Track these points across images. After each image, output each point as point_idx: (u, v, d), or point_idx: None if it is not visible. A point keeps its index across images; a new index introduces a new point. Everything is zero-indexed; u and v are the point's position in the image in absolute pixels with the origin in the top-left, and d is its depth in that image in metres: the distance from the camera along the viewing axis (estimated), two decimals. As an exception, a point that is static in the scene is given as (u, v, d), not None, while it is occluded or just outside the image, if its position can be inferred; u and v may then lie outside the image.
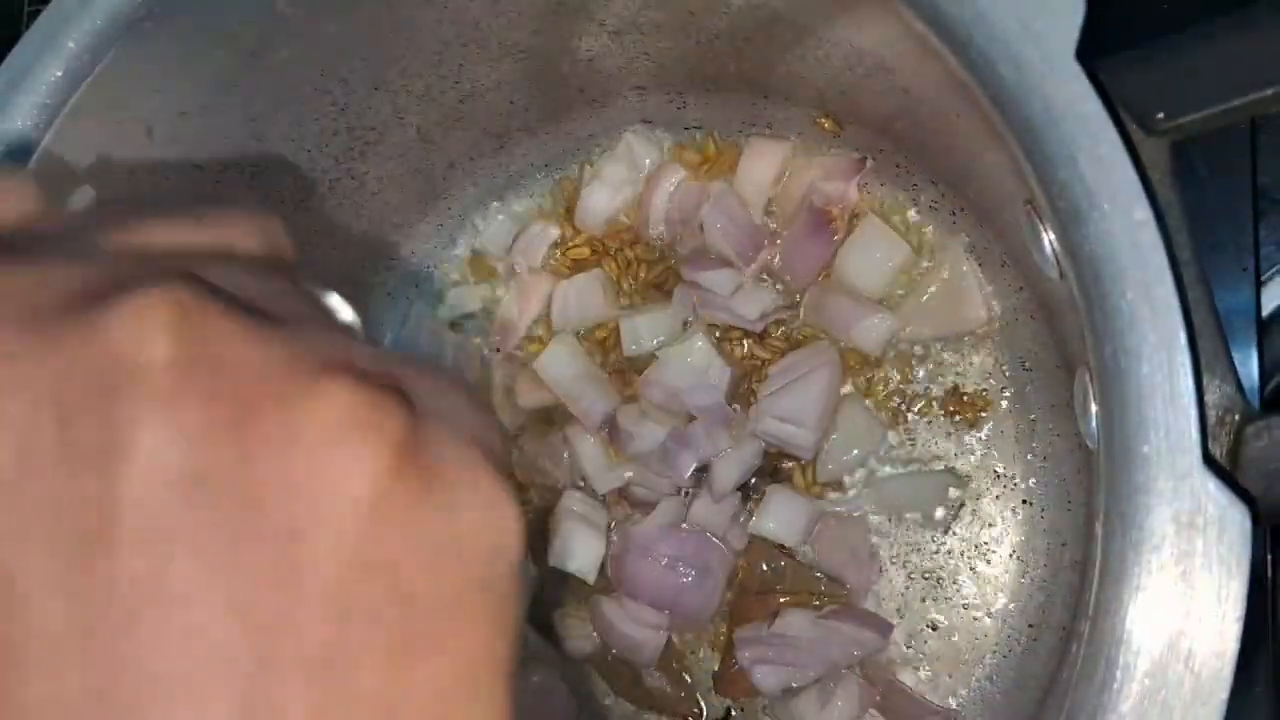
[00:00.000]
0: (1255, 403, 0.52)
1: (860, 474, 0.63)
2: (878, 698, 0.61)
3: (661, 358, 0.64)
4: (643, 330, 0.65)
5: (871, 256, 0.63)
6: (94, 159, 0.50)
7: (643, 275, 0.67)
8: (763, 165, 0.65)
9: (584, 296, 0.67)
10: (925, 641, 0.62)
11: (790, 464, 0.64)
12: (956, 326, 0.62)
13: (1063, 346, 0.55)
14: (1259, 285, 0.57)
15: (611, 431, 0.65)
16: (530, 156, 0.69)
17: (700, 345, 0.63)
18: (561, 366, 0.66)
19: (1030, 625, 0.59)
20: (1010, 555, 0.61)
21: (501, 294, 0.70)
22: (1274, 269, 0.59)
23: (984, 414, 0.62)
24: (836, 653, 0.60)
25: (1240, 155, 0.57)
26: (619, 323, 0.66)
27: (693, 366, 0.63)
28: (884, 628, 0.61)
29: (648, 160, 0.68)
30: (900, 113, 0.56)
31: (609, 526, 0.65)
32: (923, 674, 0.61)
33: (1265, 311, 0.58)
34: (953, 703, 0.61)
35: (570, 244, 0.69)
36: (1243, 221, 0.57)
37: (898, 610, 0.62)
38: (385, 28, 0.55)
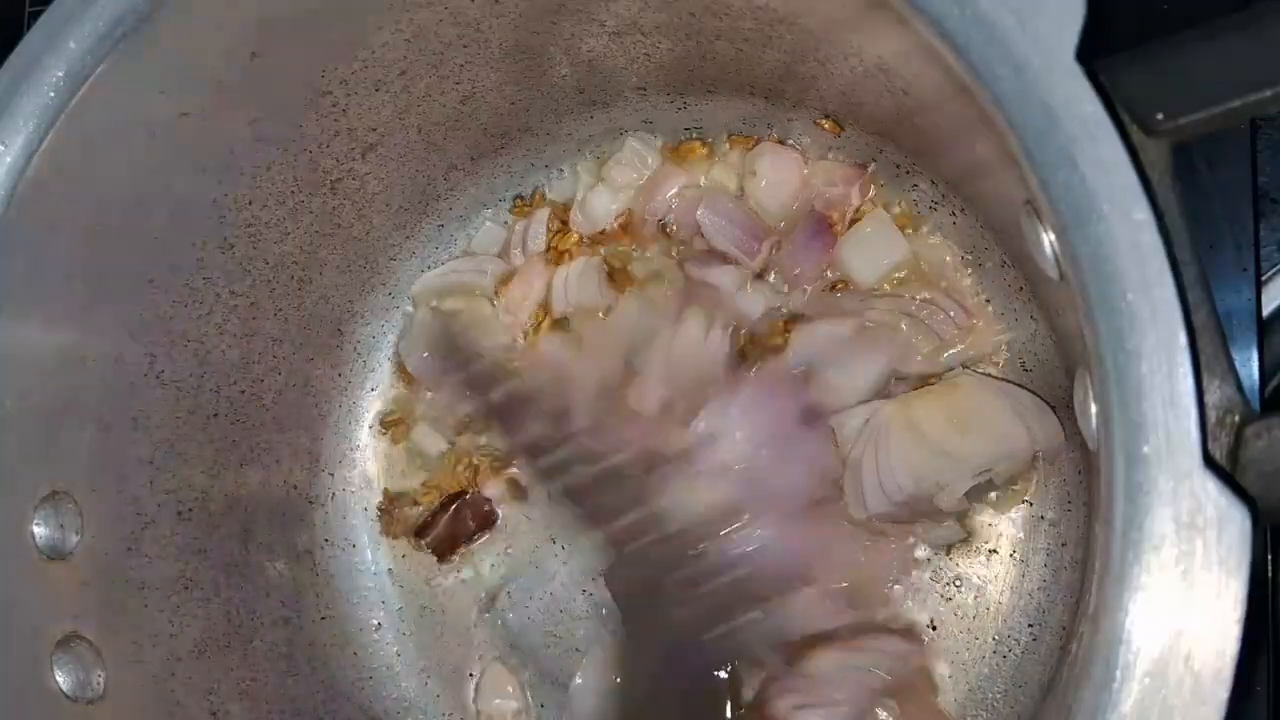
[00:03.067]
0: (1255, 403, 0.52)
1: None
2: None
3: (661, 339, 0.65)
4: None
5: (872, 250, 0.63)
6: (96, 159, 0.50)
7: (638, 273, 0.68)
8: (775, 174, 0.65)
9: (582, 282, 0.68)
10: (926, 641, 0.62)
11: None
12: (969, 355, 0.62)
13: (1063, 347, 0.55)
14: (1259, 286, 0.58)
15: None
16: (531, 157, 0.69)
17: (696, 323, 0.64)
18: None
19: (1030, 625, 0.59)
20: (1011, 555, 0.61)
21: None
22: (1274, 269, 0.59)
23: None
24: (869, 677, 0.60)
25: (1240, 156, 0.57)
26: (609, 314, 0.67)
27: (692, 341, 0.64)
28: (911, 635, 0.61)
29: (649, 159, 0.68)
30: (900, 114, 0.56)
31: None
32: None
33: (1265, 312, 0.58)
34: (952, 700, 0.61)
35: (562, 236, 0.69)
36: (1243, 222, 0.57)
37: (898, 611, 0.62)
38: (387, 29, 0.55)
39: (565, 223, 0.70)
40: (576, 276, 0.68)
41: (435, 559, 0.69)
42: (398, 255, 0.70)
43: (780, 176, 0.65)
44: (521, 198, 0.71)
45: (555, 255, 0.69)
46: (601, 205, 0.68)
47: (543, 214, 0.70)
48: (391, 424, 0.71)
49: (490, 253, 0.71)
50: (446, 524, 0.68)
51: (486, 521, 0.69)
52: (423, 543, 0.69)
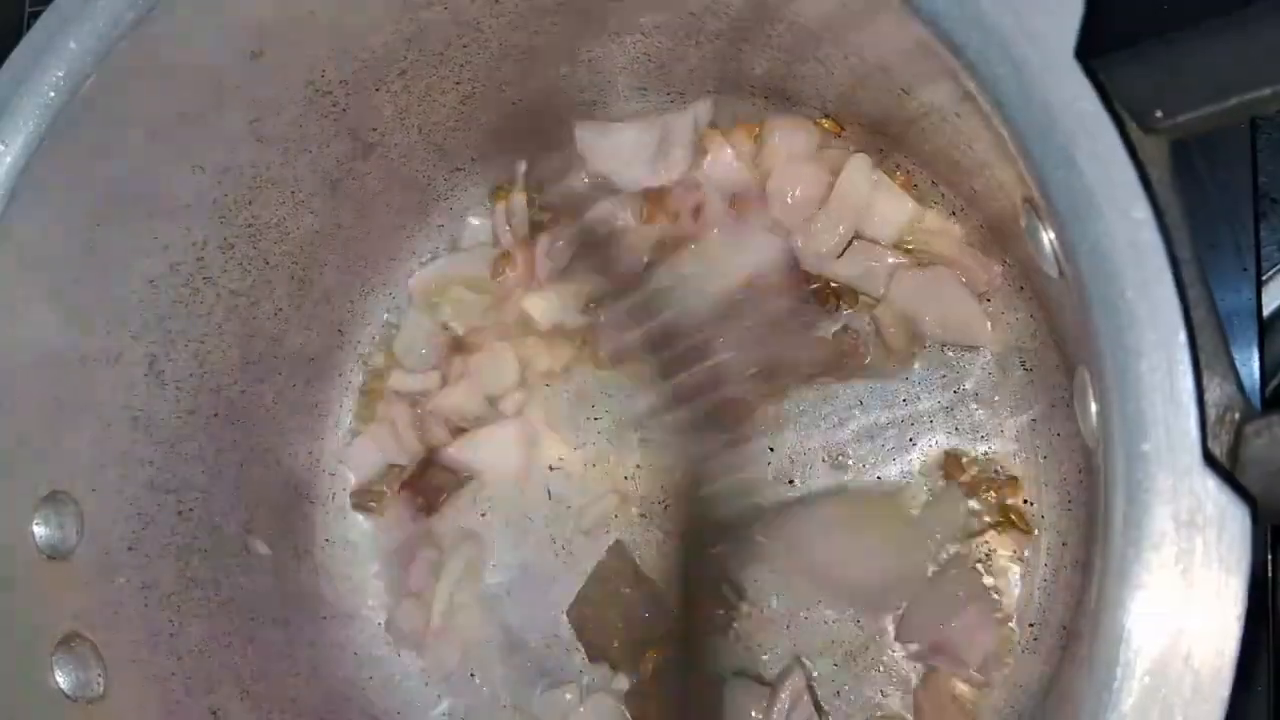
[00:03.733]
0: (1256, 404, 0.52)
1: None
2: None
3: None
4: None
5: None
6: (96, 159, 0.50)
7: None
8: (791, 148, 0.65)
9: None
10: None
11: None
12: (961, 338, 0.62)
13: (1062, 345, 0.55)
14: (1259, 285, 0.57)
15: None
16: (532, 156, 0.69)
17: None
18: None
19: (1031, 625, 0.59)
20: (1011, 555, 0.61)
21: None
22: (1274, 269, 0.59)
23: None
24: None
25: (1240, 156, 0.57)
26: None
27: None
28: None
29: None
30: (899, 112, 0.56)
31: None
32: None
33: (1266, 312, 0.58)
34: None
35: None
36: (1243, 222, 0.57)
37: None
38: (387, 29, 0.55)
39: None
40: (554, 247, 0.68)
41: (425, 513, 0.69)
42: (398, 255, 0.70)
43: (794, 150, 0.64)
44: (501, 187, 0.71)
45: (534, 229, 0.69)
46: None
47: (520, 194, 0.69)
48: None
49: (481, 242, 0.71)
50: (431, 476, 0.68)
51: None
52: (414, 497, 0.69)
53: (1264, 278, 0.58)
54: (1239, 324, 0.57)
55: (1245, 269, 0.57)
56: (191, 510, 0.60)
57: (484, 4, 0.55)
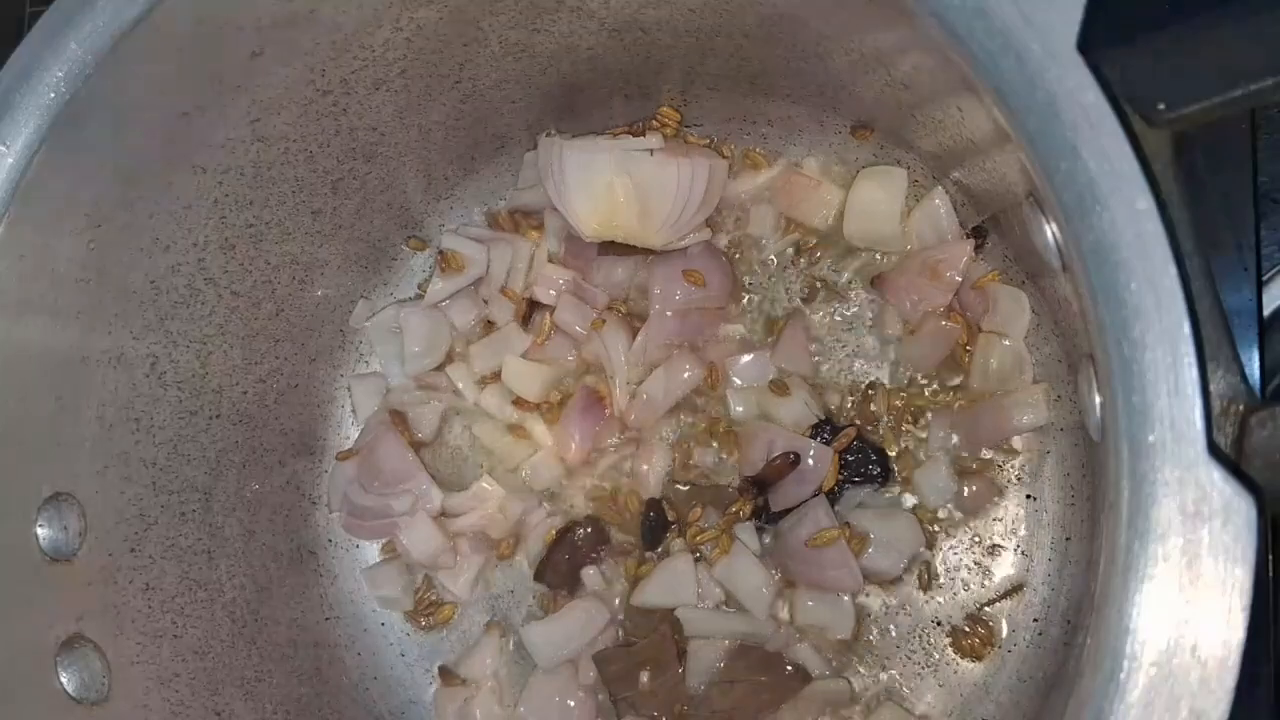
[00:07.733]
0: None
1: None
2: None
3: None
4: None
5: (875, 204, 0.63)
6: (96, 159, 0.50)
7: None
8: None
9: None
10: (932, 638, 0.61)
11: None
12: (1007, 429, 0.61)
13: (1065, 340, 0.55)
14: (1260, 285, 0.58)
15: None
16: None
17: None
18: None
19: (1035, 620, 0.59)
20: (1016, 550, 0.61)
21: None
22: (1274, 269, 0.59)
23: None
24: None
25: (1241, 157, 0.57)
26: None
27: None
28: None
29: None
30: (902, 108, 0.56)
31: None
32: (929, 670, 0.61)
33: (1266, 312, 0.58)
34: (959, 696, 0.60)
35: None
36: (1244, 223, 0.57)
37: (905, 608, 0.62)
38: (387, 28, 0.55)
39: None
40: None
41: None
42: (399, 255, 0.70)
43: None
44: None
45: None
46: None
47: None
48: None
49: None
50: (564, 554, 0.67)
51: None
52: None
53: (1264, 278, 0.58)
54: (1240, 324, 0.57)
55: (1246, 269, 0.57)
56: (194, 512, 0.60)
57: (483, 2, 0.55)
